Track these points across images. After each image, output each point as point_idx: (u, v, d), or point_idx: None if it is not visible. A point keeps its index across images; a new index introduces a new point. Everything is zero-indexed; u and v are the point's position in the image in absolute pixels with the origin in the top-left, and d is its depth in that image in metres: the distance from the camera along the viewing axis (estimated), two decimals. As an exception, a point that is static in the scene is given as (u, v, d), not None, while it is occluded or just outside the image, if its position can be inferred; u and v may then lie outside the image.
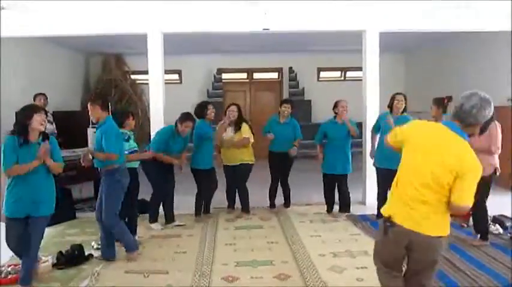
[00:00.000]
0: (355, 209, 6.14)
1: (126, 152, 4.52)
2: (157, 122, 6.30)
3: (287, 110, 6.01)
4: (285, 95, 11.67)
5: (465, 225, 5.26)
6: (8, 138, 3.46)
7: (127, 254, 4.31)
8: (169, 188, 5.49)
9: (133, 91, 10.59)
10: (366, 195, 6.53)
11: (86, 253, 4.33)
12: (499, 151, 4.47)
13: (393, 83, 10.18)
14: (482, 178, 3.74)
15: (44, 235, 3.74)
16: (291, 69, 11.75)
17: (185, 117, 5.24)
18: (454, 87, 9.28)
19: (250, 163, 5.87)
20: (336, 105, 5.78)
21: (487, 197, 4.54)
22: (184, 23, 6.33)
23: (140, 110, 10.21)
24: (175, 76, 11.55)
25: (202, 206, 5.86)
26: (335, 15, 6.40)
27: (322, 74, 12.14)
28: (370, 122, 6.26)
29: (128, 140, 4.71)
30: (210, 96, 11.20)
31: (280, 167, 6.11)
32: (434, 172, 2.33)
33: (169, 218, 5.53)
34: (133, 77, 11.08)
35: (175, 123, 5.28)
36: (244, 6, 6.26)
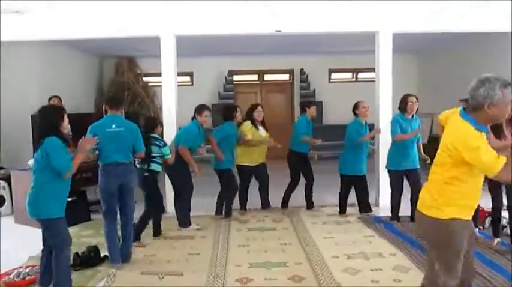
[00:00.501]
0: (368, 211, 6.15)
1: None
2: (169, 125, 6.34)
3: (314, 111, 6.26)
4: (296, 97, 11.67)
5: (481, 227, 5.21)
6: (55, 140, 3.30)
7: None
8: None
9: (145, 94, 10.67)
10: (379, 196, 6.50)
11: (102, 255, 4.37)
12: None
13: (405, 84, 10.13)
14: None
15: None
16: (302, 71, 11.74)
17: (202, 107, 5.47)
18: (466, 89, 9.20)
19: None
20: (357, 107, 5.79)
21: None
22: (197, 25, 6.35)
23: (152, 113, 10.29)
24: (187, 78, 11.61)
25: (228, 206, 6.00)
26: (348, 16, 6.38)
27: (334, 75, 12.12)
28: (383, 123, 6.25)
29: (164, 146, 4.98)
30: (222, 98, 11.26)
31: (307, 168, 6.24)
32: (438, 153, 2.52)
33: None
34: (145, 79, 11.16)
35: (194, 117, 5.45)
36: (256, 7, 6.27)
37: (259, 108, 6.05)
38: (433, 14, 6.33)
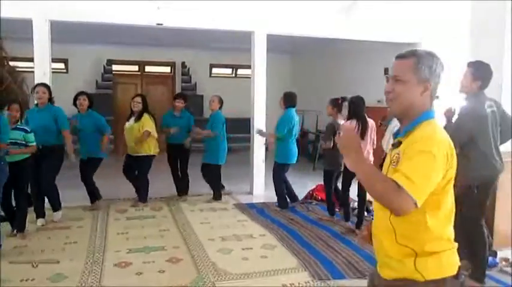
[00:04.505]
0: (243, 199, 6.61)
1: None
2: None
3: (180, 105, 6.45)
4: (178, 89, 11.78)
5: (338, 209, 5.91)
6: None
7: None
8: None
9: (12, 79, 9.83)
10: (253, 186, 7.01)
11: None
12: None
13: (280, 82, 10.90)
14: None
15: None
16: (183, 64, 11.89)
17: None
18: (335, 88, 10.25)
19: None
20: None
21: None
22: (73, 11, 6.11)
23: (21, 100, 9.53)
24: (61, 65, 10.95)
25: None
26: (226, 14, 6.71)
27: (214, 70, 12.49)
28: (257, 117, 6.81)
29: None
30: (99, 88, 10.87)
31: (178, 158, 6.52)
32: None
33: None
34: (11, 63, 10.26)
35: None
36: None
37: (136, 98, 6.26)
38: (303, 19, 6.98)
